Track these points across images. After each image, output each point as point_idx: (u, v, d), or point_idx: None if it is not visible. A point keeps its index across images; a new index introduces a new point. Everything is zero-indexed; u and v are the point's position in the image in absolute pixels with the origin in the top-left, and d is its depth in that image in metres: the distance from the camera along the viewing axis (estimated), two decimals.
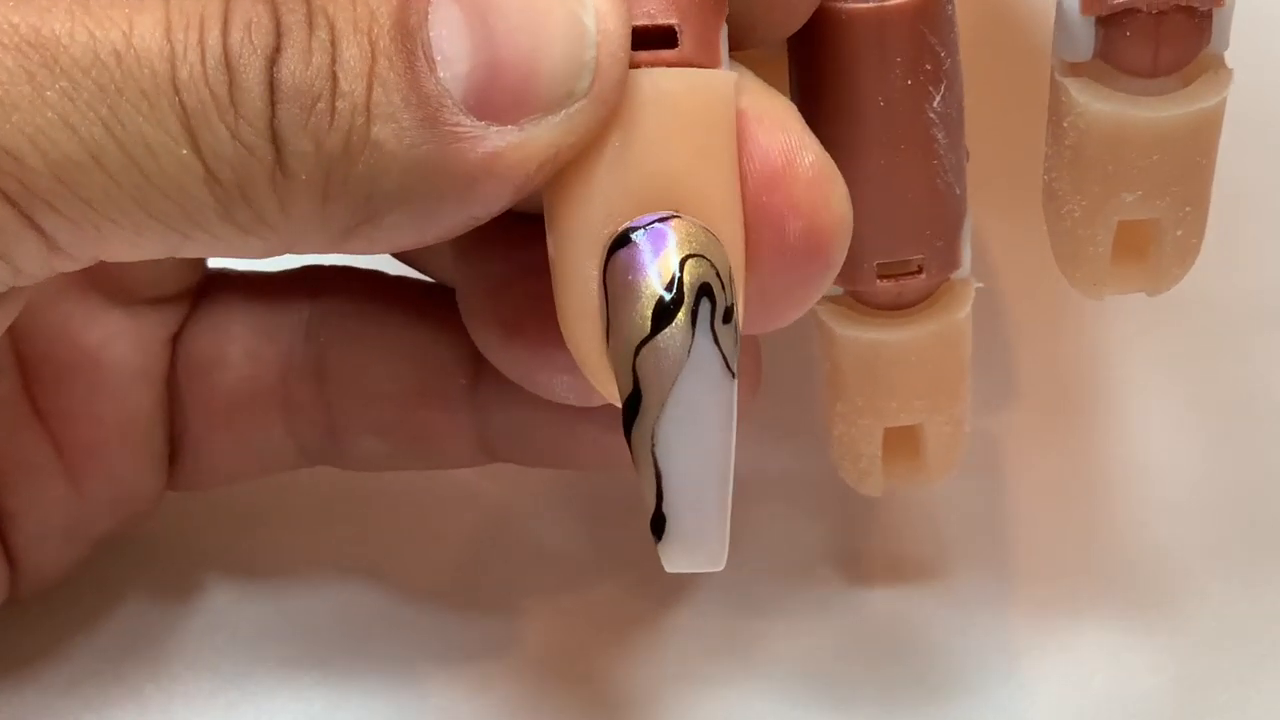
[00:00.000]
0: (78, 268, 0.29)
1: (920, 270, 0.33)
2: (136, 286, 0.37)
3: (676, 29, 0.28)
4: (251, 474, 0.39)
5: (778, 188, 0.29)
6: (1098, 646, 0.38)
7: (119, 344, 0.36)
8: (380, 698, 0.38)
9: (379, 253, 0.29)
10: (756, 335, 0.35)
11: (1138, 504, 0.41)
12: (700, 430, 0.28)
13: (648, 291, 0.28)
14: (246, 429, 0.38)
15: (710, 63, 0.29)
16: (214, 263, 0.38)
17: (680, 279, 0.27)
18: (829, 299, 0.34)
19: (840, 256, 0.30)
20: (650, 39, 0.28)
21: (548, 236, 0.29)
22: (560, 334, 0.30)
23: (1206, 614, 0.39)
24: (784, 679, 0.38)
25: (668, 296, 0.27)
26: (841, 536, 0.40)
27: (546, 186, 0.29)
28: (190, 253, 0.28)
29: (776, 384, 0.38)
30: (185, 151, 0.27)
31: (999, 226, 0.44)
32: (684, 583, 0.39)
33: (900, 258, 0.33)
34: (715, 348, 0.28)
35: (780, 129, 0.29)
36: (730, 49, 0.30)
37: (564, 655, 0.38)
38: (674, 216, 0.28)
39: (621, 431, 0.28)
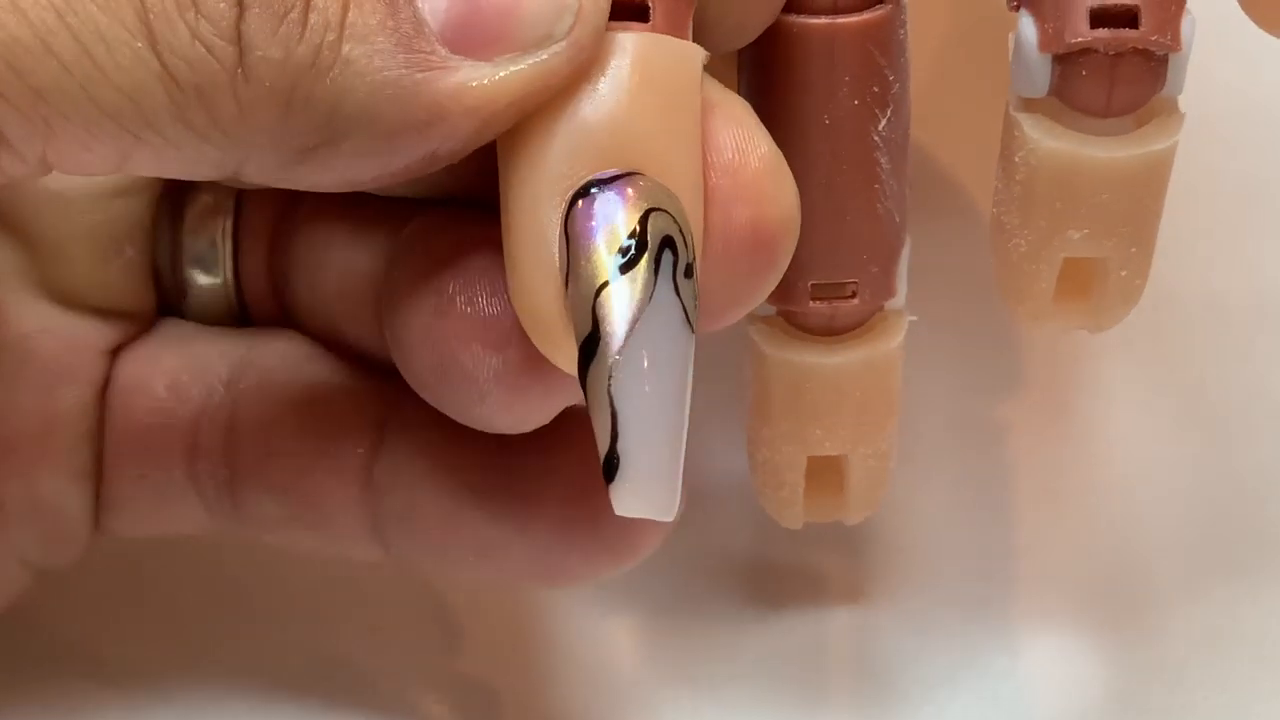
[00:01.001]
0: (27, 172, 0.28)
1: (854, 295, 0.33)
2: (82, 289, 0.36)
3: (650, 4, 0.29)
4: (164, 523, 0.37)
5: (728, 173, 0.29)
6: (1092, 648, 0.39)
7: (49, 340, 0.35)
8: (377, 701, 0.38)
9: (333, 187, 0.29)
10: None
11: (1134, 504, 0.41)
12: (658, 374, 0.28)
13: (612, 236, 0.27)
14: (148, 464, 0.36)
15: (679, 37, 0.29)
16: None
17: (644, 228, 0.28)
18: (760, 318, 0.34)
19: (785, 255, 0.30)
20: (623, 10, 0.28)
21: (501, 188, 0.29)
22: (489, 310, 0.30)
23: (1203, 615, 0.39)
24: (766, 683, 0.38)
25: (632, 242, 0.27)
26: (827, 537, 0.40)
27: (505, 136, 0.28)
28: (142, 163, 0.28)
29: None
30: (140, 45, 0.27)
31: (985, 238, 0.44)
32: (679, 589, 0.40)
33: (835, 279, 0.33)
34: (677, 297, 0.28)
35: (734, 120, 0.29)
36: None
37: (525, 669, 0.39)
38: (637, 174, 0.28)
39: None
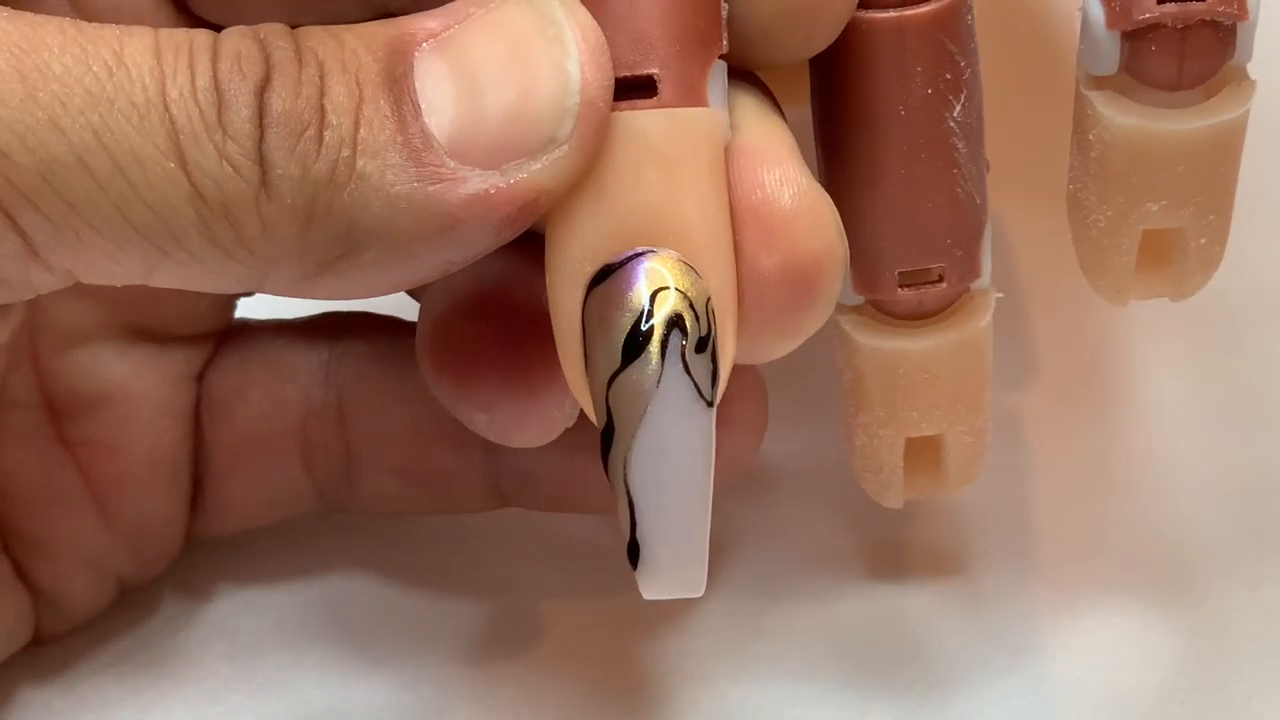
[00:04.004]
0: (53, 284, 0.29)
1: (941, 279, 0.33)
2: (167, 324, 0.37)
3: (656, 78, 0.29)
4: (270, 516, 0.39)
5: (750, 224, 0.29)
6: (1102, 642, 0.38)
7: (147, 379, 0.37)
8: (383, 699, 0.38)
9: (354, 296, 0.30)
10: (761, 388, 0.36)
11: (1146, 499, 0.41)
12: (671, 459, 0.28)
13: (618, 325, 0.28)
14: (265, 468, 0.38)
15: (692, 105, 0.29)
16: (240, 310, 0.39)
17: (650, 311, 0.28)
18: (850, 309, 0.34)
19: (827, 291, 0.30)
20: (630, 88, 0.29)
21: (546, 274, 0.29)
22: (479, 372, 0.32)
23: (1211, 610, 0.39)
24: (790, 674, 0.38)
25: (638, 329, 0.28)
26: (850, 529, 0.40)
27: (547, 221, 0.29)
28: (166, 276, 0.29)
29: (788, 377, 0.38)
30: (172, 165, 0.27)
31: (1019, 226, 0.44)
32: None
33: (921, 266, 0.33)
34: (687, 377, 0.28)
35: (761, 164, 0.30)
36: (753, 69, 0.31)
37: (568, 653, 0.39)
38: (650, 251, 0.28)
39: None
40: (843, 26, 0.31)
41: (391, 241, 0.28)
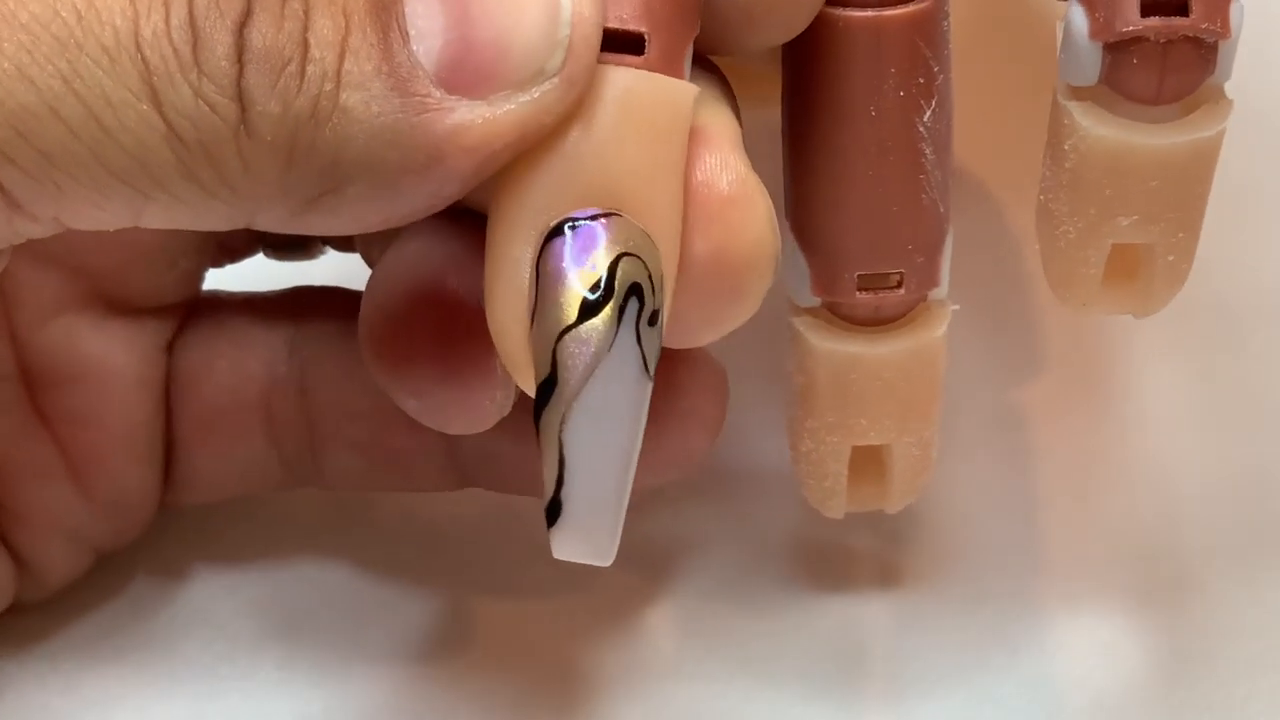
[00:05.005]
0: (41, 232, 0.28)
1: (900, 285, 0.33)
2: (137, 296, 0.37)
3: (645, 37, 0.28)
4: (239, 489, 0.39)
5: (692, 203, 0.29)
6: (1102, 641, 0.38)
7: (120, 351, 0.37)
8: (380, 697, 0.38)
9: (344, 231, 0.29)
10: (723, 383, 0.36)
11: (1146, 499, 0.41)
12: (610, 424, 0.28)
13: (579, 280, 0.28)
14: (230, 440, 0.38)
15: (673, 74, 0.29)
16: (208, 283, 0.39)
17: (613, 274, 0.28)
18: (806, 311, 0.34)
19: (754, 285, 0.30)
20: (618, 42, 0.28)
21: (489, 219, 0.29)
22: (413, 359, 0.32)
23: (1211, 610, 0.39)
24: (789, 674, 0.38)
25: (598, 289, 0.28)
26: (849, 528, 0.40)
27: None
28: (154, 218, 0.28)
29: (776, 378, 0.37)
30: (146, 107, 0.27)
31: (1019, 226, 0.44)
32: (683, 580, 0.40)
33: (881, 270, 0.33)
34: (637, 347, 0.28)
35: (705, 147, 0.29)
36: (725, 55, 0.31)
37: (563, 653, 0.39)
38: (615, 214, 0.28)
39: None
40: (819, 8, 0.30)
41: (376, 175, 0.27)
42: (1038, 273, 0.43)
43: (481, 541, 0.40)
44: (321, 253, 0.39)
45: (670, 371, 0.35)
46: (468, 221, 0.31)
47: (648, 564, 0.40)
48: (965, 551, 0.40)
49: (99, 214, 0.28)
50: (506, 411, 0.33)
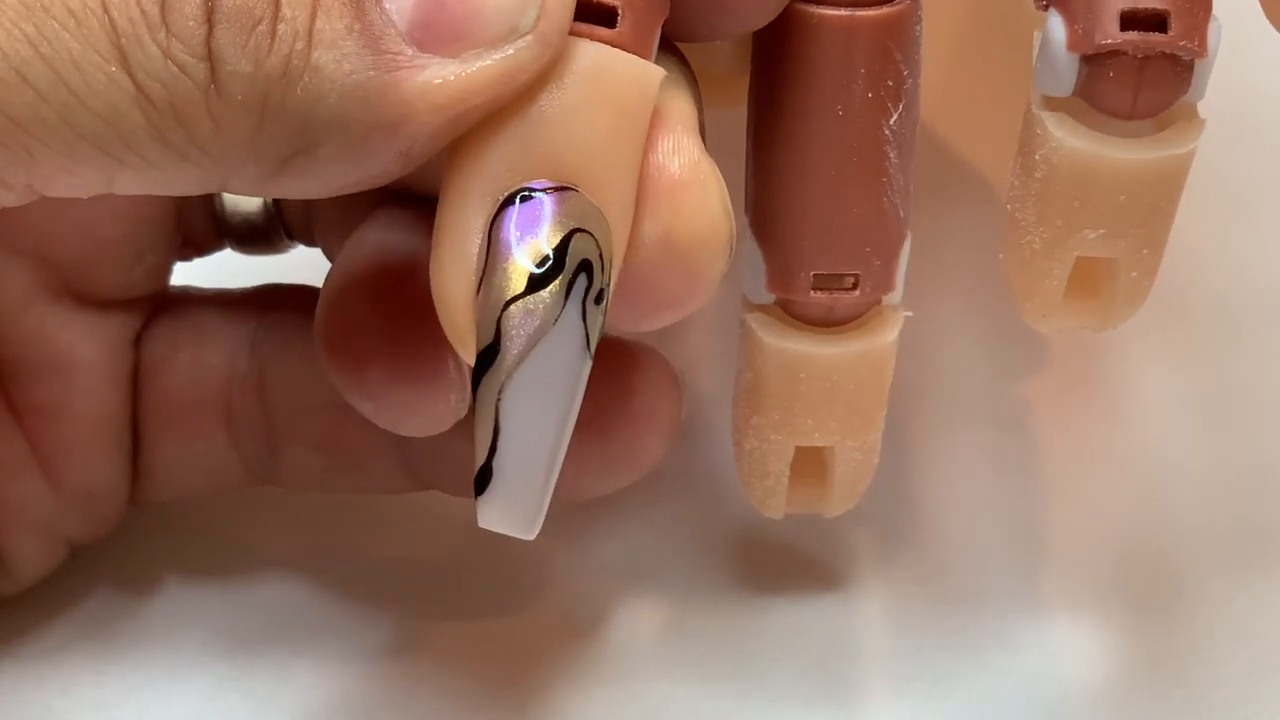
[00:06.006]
0: (15, 200, 0.28)
1: (855, 287, 0.33)
2: (104, 288, 0.37)
3: (618, 10, 0.28)
4: (202, 485, 0.39)
5: (645, 184, 0.29)
6: (1102, 642, 0.38)
7: (90, 345, 0.37)
8: (380, 696, 0.38)
9: (317, 194, 0.29)
10: (677, 387, 0.36)
11: (1146, 499, 0.41)
12: (547, 398, 0.28)
13: (529, 251, 0.28)
14: (191, 435, 0.38)
15: (642, 53, 0.29)
16: (179, 280, 0.39)
17: (564, 248, 0.28)
18: (759, 307, 0.33)
19: (706, 270, 0.30)
20: (590, 12, 0.28)
21: (443, 184, 0.29)
22: (368, 360, 0.33)
23: (1211, 610, 0.39)
24: (787, 674, 0.38)
25: (548, 261, 0.28)
26: (850, 527, 0.40)
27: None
28: (127, 184, 0.28)
29: None
30: (114, 69, 0.27)
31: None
32: (681, 580, 0.39)
33: (837, 271, 0.33)
34: (582, 323, 0.28)
35: (661, 130, 0.29)
36: (696, 41, 0.31)
37: (558, 652, 0.39)
38: (570, 188, 0.28)
39: None
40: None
41: (347, 133, 0.27)
42: None
43: (476, 546, 0.40)
44: (289, 247, 0.39)
45: (624, 374, 0.35)
46: (425, 216, 0.31)
47: (639, 566, 0.40)
48: (965, 551, 0.40)
49: (72, 179, 0.28)
50: (463, 414, 0.33)
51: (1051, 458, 0.41)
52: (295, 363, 0.38)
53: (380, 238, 0.33)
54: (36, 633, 0.38)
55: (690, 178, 0.29)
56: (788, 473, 0.35)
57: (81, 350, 0.37)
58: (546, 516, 0.37)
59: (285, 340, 0.38)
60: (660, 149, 0.29)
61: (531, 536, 0.29)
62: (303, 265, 0.39)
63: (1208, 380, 0.43)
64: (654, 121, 0.29)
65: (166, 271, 0.39)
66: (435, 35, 0.27)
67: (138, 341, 0.38)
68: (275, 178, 0.28)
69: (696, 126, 0.30)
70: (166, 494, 0.39)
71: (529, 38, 0.27)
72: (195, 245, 0.39)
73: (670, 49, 0.30)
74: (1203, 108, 0.32)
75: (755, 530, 0.40)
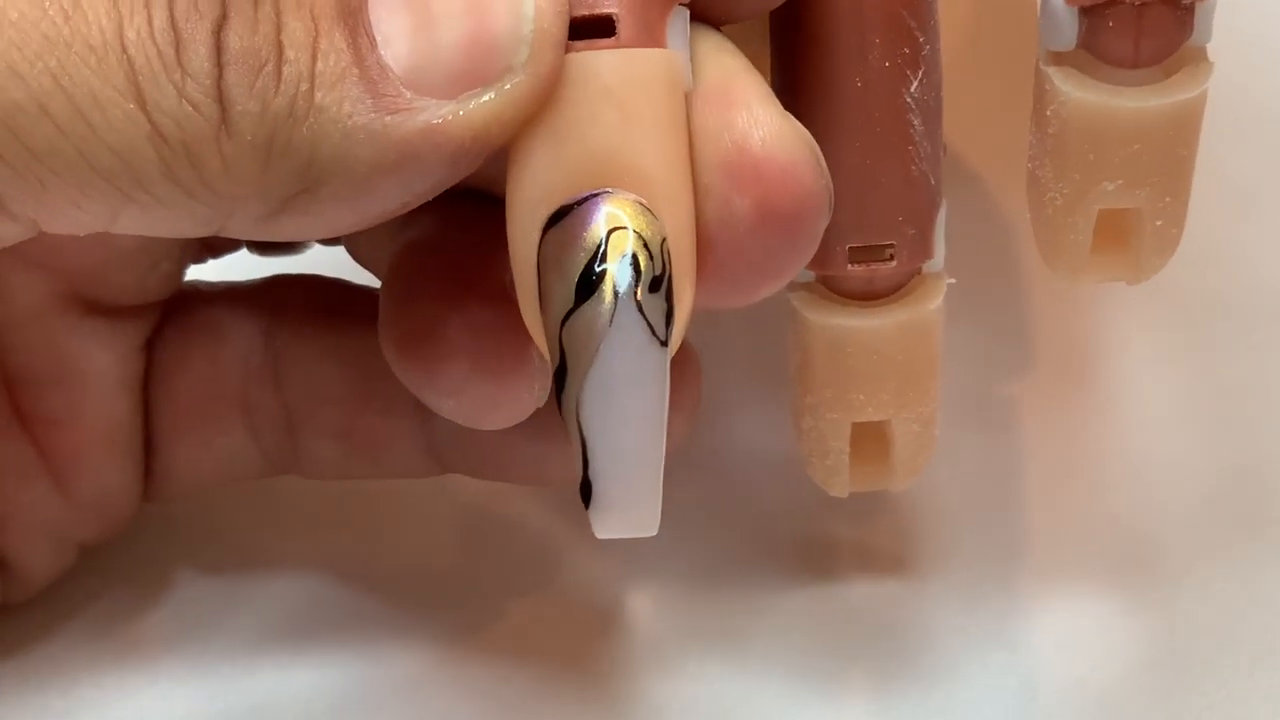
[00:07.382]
0: (16, 234, 0.29)
1: (892, 257, 0.33)
2: (118, 296, 0.38)
3: (614, 18, 0.29)
4: (218, 480, 0.39)
5: (720, 168, 0.29)
6: (1101, 640, 0.38)
7: (100, 352, 0.37)
8: (380, 695, 0.38)
9: (315, 235, 0.30)
10: (696, 368, 0.36)
11: (1144, 496, 0.41)
12: (622, 398, 0.28)
13: (573, 264, 0.28)
14: (209, 432, 0.39)
15: (652, 46, 0.29)
16: (192, 274, 0.39)
17: (604, 252, 0.28)
18: (801, 285, 0.34)
19: (811, 227, 0.29)
20: (588, 28, 0.29)
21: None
22: (446, 357, 0.32)
23: (1208, 610, 0.39)
24: (786, 673, 0.38)
25: (592, 269, 0.28)
26: (846, 524, 0.40)
27: (509, 164, 0.29)
28: (129, 222, 0.28)
29: (775, 366, 0.37)
30: (131, 106, 0.27)
31: (1015, 217, 0.44)
32: (679, 573, 0.40)
33: (872, 242, 0.33)
34: (640, 317, 0.28)
35: (728, 108, 0.29)
36: (718, 23, 0.30)
37: (566, 648, 0.39)
38: (606, 192, 0.28)
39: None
40: None
41: (350, 174, 0.28)
42: (1034, 269, 0.43)
43: (481, 540, 0.40)
44: (306, 247, 0.40)
45: None
46: (483, 208, 0.31)
47: (644, 562, 0.40)
48: (964, 550, 0.40)
49: (77, 214, 0.28)
50: (543, 401, 0.33)
51: (1050, 455, 0.42)
52: (311, 351, 0.38)
53: (439, 236, 0.33)
54: (37, 634, 0.38)
55: (774, 147, 0.29)
56: (848, 450, 0.35)
57: (92, 358, 0.37)
58: (552, 511, 0.38)
59: (299, 330, 0.38)
60: (736, 126, 0.29)
61: (652, 533, 0.29)
62: (305, 257, 0.40)
63: (1207, 377, 0.43)
64: (720, 99, 0.29)
65: (180, 276, 0.39)
66: (431, 78, 0.28)
67: (149, 345, 0.38)
68: (277, 216, 0.28)
69: (764, 90, 0.30)
70: (182, 492, 0.39)
71: (521, 75, 0.28)
72: (211, 248, 0.39)
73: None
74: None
75: (752, 531, 0.40)
